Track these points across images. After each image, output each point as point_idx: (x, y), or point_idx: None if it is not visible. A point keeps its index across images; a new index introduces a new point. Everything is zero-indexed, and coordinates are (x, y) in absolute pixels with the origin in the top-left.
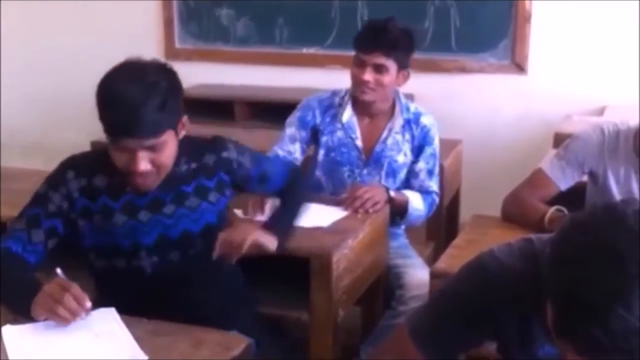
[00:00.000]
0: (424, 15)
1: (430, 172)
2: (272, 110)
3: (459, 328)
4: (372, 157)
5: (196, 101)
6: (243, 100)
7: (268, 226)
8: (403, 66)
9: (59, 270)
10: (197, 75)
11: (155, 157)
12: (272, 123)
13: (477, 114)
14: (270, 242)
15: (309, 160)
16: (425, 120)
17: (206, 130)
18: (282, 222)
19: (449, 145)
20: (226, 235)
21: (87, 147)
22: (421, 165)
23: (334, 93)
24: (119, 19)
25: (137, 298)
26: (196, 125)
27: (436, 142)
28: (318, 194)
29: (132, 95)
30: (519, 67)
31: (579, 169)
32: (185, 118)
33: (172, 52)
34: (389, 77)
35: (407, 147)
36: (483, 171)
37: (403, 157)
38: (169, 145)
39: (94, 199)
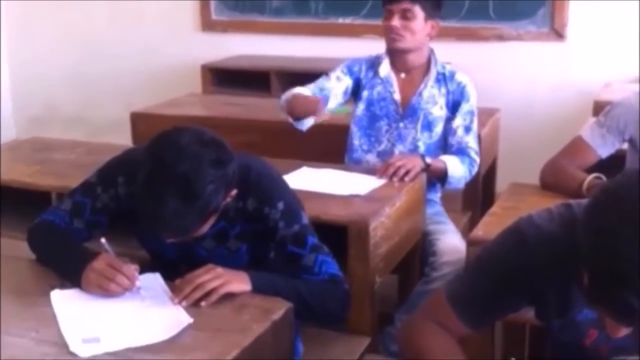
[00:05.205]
0: None
1: (467, 129)
2: (308, 81)
3: (496, 293)
4: (408, 110)
5: (232, 72)
6: (279, 71)
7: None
8: (430, 15)
9: (103, 240)
10: (232, 47)
11: None
12: None
13: (515, 82)
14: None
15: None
16: (460, 77)
17: (242, 100)
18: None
19: (486, 114)
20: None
21: (126, 119)
22: (458, 121)
23: (377, 55)
24: None
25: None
26: (232, 96)
27: (473, 100)
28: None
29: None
30: (558, 35)
31: (619, 136)
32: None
33: (208, 23)
34: (417, 23)
35: (442, 101)
36: (521, 140)
37: (439, 110)
38: None
39: None
